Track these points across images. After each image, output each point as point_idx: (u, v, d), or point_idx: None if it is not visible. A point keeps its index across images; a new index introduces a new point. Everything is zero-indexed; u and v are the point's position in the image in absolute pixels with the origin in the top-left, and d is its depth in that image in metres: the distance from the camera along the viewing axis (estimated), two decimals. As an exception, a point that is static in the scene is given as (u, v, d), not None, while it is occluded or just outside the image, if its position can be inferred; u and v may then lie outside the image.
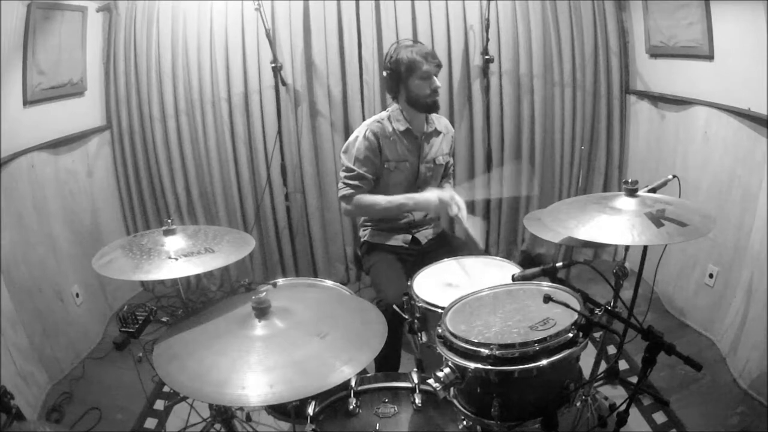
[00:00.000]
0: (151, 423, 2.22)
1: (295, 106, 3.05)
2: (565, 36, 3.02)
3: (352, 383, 1.46)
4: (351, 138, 2.12)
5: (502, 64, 3.02)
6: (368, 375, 1.56)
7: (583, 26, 3.01)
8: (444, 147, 2.25)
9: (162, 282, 3.25)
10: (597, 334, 2.34)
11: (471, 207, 3.18)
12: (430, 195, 2.04)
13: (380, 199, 2.09)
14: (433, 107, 2.07)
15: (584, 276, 2.60)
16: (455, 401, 1.33)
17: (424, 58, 1.97)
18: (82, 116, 2.93)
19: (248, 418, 1.94)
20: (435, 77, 2.01)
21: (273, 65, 2.82)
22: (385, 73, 2.07)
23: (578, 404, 1.85)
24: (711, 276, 2.50)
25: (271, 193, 3.21)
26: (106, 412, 2.27)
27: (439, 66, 2.03)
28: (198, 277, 3.33)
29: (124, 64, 3.01)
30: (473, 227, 1.99)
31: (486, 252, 3.28)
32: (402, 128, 2.10)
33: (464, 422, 1.34)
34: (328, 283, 1.96)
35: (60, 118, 2.73)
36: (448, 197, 1.99)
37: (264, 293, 1.32)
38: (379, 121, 2.11)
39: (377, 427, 1.35)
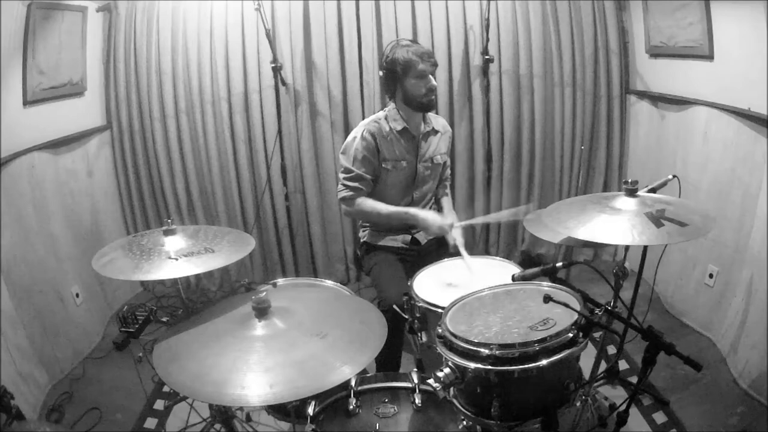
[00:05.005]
0: (151, 423, 2.22)
1: (295, 106, 3.05)
2: (565, 36, 3.02)
3: (352, 383, 1.46)
4: (348, 139, 2.12)
5: (502, 64, 3.01)
6: (368, 375, 1.56)
7: (583, 26, 3.01)
8: (442, 146, 2.25)
9: (162, 282, 3.26)
10: (597, 334, 2.34)
11: (471, 192, 3.22)
12: (432, 220, 2.01)
13: (381, 207, 2.08)
14: (429, 106, 2.08)
15: (584, 276, 2.60)
16: (455, 401, 1.33)
17: (420, 58, 1.97)
18: (82, 116, 2.93)
19: (248, 418, 1.94)
20: (431, 76, 2.01)
21: (273, 65, 2.82)
22: (381, 73, 2.08)
23: (578, 404, 1.85)
24: (711, 276, 2.50)
25: (271, 193, 3.21)
26: (106, 412, 2.27)
27: (434, 65, 2.03)
28: (198, 277, 3.33)
29: (124, 64, 3.01)
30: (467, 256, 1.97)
31: (486, 252, 3.29)
32: (399, 128, 2.10)
33: (464, 422, 1.34)
34: (328, 283, 1.96)
35: (60, 118, 2.73)
36: (447, 226, 1.99)
37: (264, 293, 1.32)
38: (376, 121, 2.11)
39: (377, 427, 1.35)
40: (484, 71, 2.99)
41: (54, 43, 2.58)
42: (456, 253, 1.99)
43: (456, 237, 2.02)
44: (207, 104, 3.05)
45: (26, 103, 2.45)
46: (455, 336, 1.28)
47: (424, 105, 2.05)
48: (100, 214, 3.06)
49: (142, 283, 3.34)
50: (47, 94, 2.59)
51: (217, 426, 1.77)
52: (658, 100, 2.90)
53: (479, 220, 2.13)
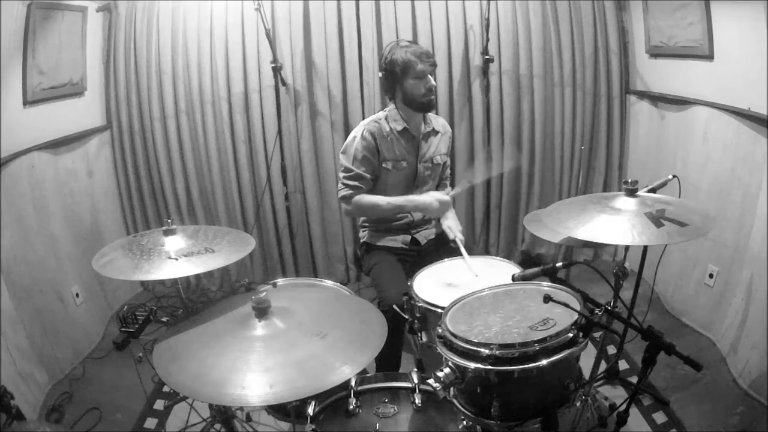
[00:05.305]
0: (151, 423, 2.22)
1: (295, 106, 3.05)
2: (565, 36, 3.02)
3: (352, 383, 1.46)
4: (349, 138, 2.13)
5: (502, 64, 3.01)
6: (368, 375, 1.56)
7: (583, 26, 3.01)
8: (442, 147, 2.26)
9: (162, 282, 3.25)
10: (597, 334, 2.34)
11: (471, 192, 3.22)
12: (429, 198, 2.05)
13: (380, 201, 2.09)
14: (429, 106, 2.08)
15: (584, 276, 2.60)
16: (455, 401, 1.33)
17: (419, 58, 1.97)
18: (82, 116, 2.93)
19: (248, 418, 1.94)
20: (430, 76, 2.01)
21: (273, 65, 2.82)
22: (380, 74, 2.08)
23: (578, 404, 1.85)
24: (711, 276, 2.50)
25: (271, 193, 3.21)
26: (106, 412, 2.27)
27: (433, 65, 2.04)
28: (198, 277, 3.33)
29: (124, 64, 3.01)
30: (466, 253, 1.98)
31: (486, 252, 3.29)
32: (399, 128, 2.10)
33: (464, 422, 1.34)
34: (328, 283, 1.96)
35: (60, 118, 2.73)
36: (447, 200, 2.03)
37: (264, 293, 1.32)
38: (376, 121, 2.11)
39: (377, 427, 1.35)
40: (484, 71, 2.99)
41: (54, 43, 2.58)
42: (456, 252, 1.99)
43: (452, 227, 2.05)
44: (207, 104, 3.05)
45: (26, 103, 2.45)
46: (455, 336, 1.28)
47: (424, 105, 2.05)
48: (100, 214, 3.06)
49: (142, 283, 3.34)
50: (47, 94, 2.59)
51: (217, 426, 1.77)
52: (658, 100, 2.90)
53: (476, 179, 2.17)
